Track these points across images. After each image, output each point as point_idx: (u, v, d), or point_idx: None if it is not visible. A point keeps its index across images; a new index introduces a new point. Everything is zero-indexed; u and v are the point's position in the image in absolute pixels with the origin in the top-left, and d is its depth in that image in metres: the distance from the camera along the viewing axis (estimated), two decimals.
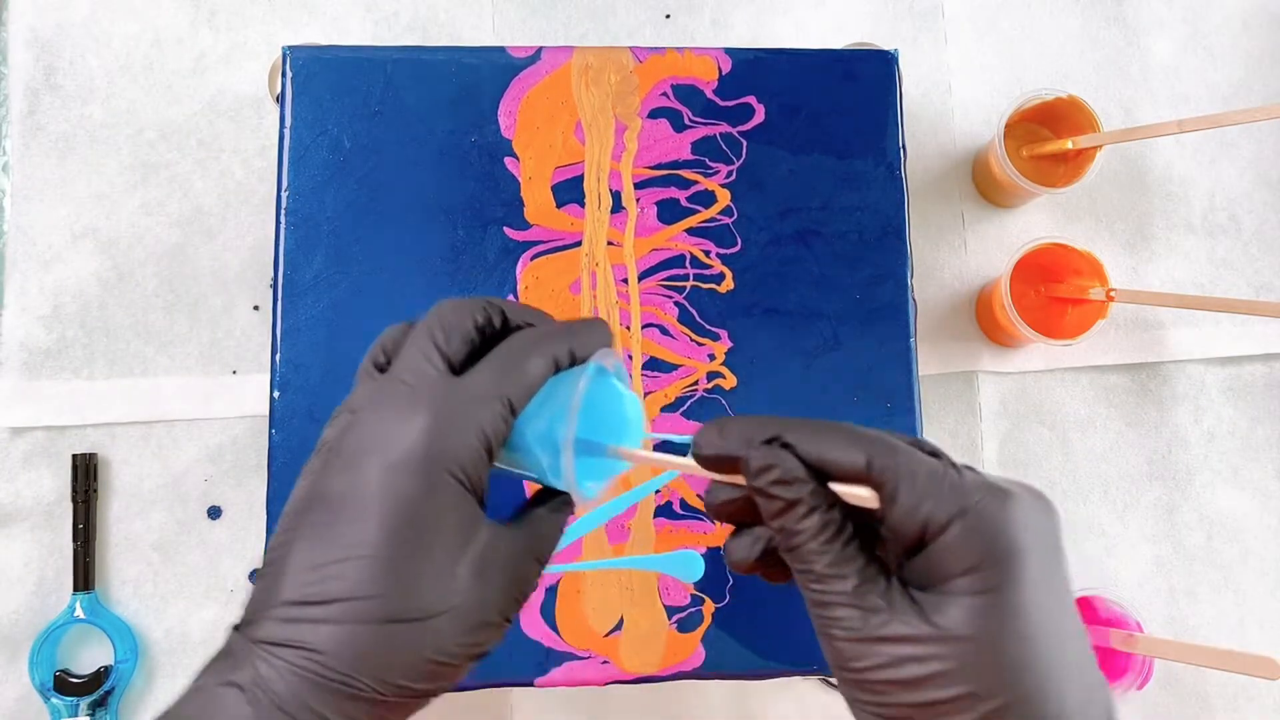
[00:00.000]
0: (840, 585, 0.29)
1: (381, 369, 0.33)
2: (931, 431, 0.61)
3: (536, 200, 0.55)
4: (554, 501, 0.34)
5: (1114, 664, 0.59)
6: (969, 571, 0.28)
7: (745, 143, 0.56)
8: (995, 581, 0.28)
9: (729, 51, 0.57)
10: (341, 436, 0.31)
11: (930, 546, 0.28)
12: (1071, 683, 0.28)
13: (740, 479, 0.31)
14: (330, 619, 0.29)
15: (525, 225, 0.55)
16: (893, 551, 0.30)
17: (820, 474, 0.30)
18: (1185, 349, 0.68)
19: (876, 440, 0.30)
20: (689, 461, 0.32)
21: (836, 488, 0.30)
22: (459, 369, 0.32)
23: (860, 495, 0.29)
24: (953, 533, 0.28)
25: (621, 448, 0.33)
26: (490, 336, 0.33)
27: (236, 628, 0.30)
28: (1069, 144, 0.63)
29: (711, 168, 0.56)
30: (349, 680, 0.28)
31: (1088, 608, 0.60)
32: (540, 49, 0.56)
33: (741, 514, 0.33)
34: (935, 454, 0.30)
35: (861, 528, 0.30)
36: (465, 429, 0.30)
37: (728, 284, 0.55)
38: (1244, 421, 0.68)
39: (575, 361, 0.33)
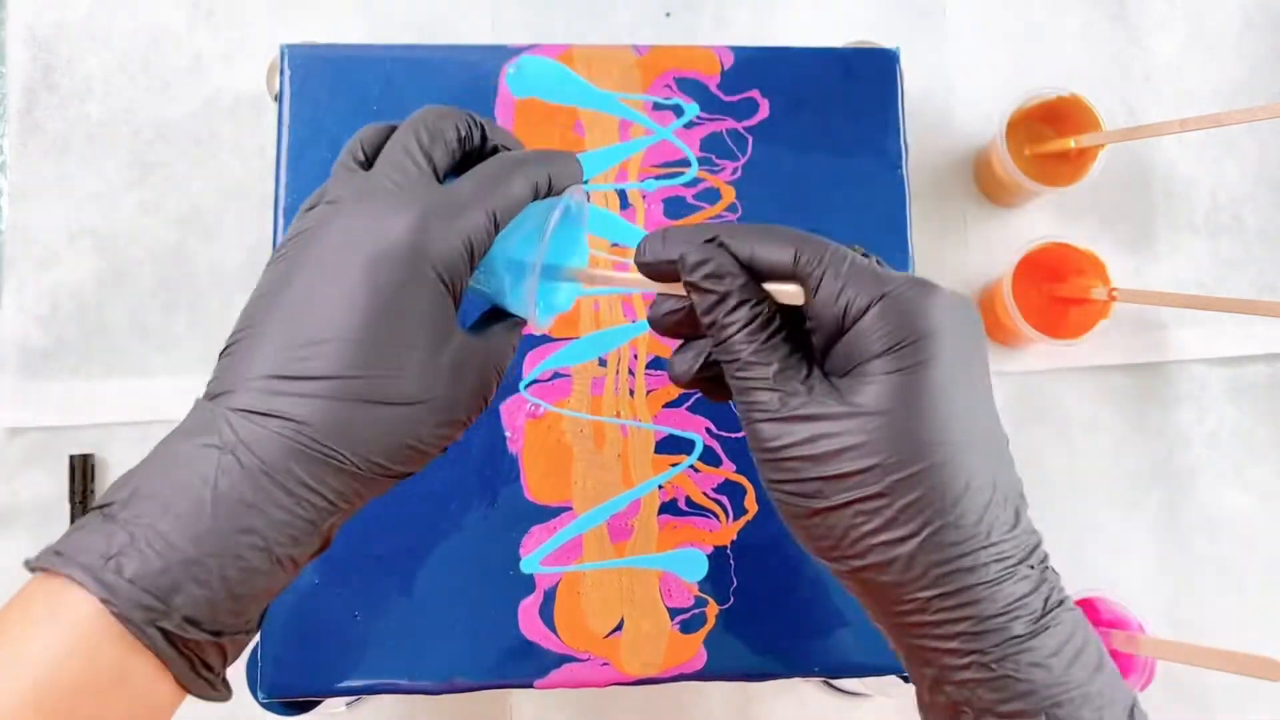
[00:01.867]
0: (762, 371, 0.30)
1: (362, 166, 0.34)
2: None
3: None
4: (509, 320, 0.36)
5: (1116, 664, 0.59)
6: (885, 353, 0.29)
7: (751, 139, 0.56)
8: (909, 361, 0.29)
9: (731, 48, 0.57)
10: (322, 224, 0.31)
11: (850, 331, 0.30)
12: (980, 469, 0.29)
13: (681, 290, 0.32)
14: (315, 394, 0.29)
15: None
16: (818, 344, 0.32)
17: (755, 274, 0.31)
18: (1188, 349, 0.68)
19: (807, 239, 0.31)
20: (635, 276, 0.34)
21: (767, 286, 0.31)
22: (441, 177, 0.33)
23: (788, 290, 0.31)
24: (871, 314, 0.29)
25: (578, 269, 0.35)
26: (470, 152, 0.34)
27: (204, 399, 0.31)
28: (1071, 143, 0.63)
29: (718, 164, 0.56)
30: (331, 452, 0.29)
31: (1090, 608, 0.60)
32: (537, 45, 0.56)
33: (685, 326, 0.34)
34: (866, 255, 0.32)
35: (796, 330, 0.32)
36: (451, 232, 0.31)
37: None
38: (1247, 422, 0.68)
39: (551, 191, 0.34)
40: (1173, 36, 0.71)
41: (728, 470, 0.53)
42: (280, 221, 0.54)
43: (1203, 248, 0.70)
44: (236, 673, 0.62)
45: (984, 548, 0.29)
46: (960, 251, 0.68)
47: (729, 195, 0.56)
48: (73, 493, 0.61)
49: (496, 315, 0.36)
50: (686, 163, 0.56)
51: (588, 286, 0.36)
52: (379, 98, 0.55)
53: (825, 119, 0.57)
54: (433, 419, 0.31)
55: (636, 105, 0.56)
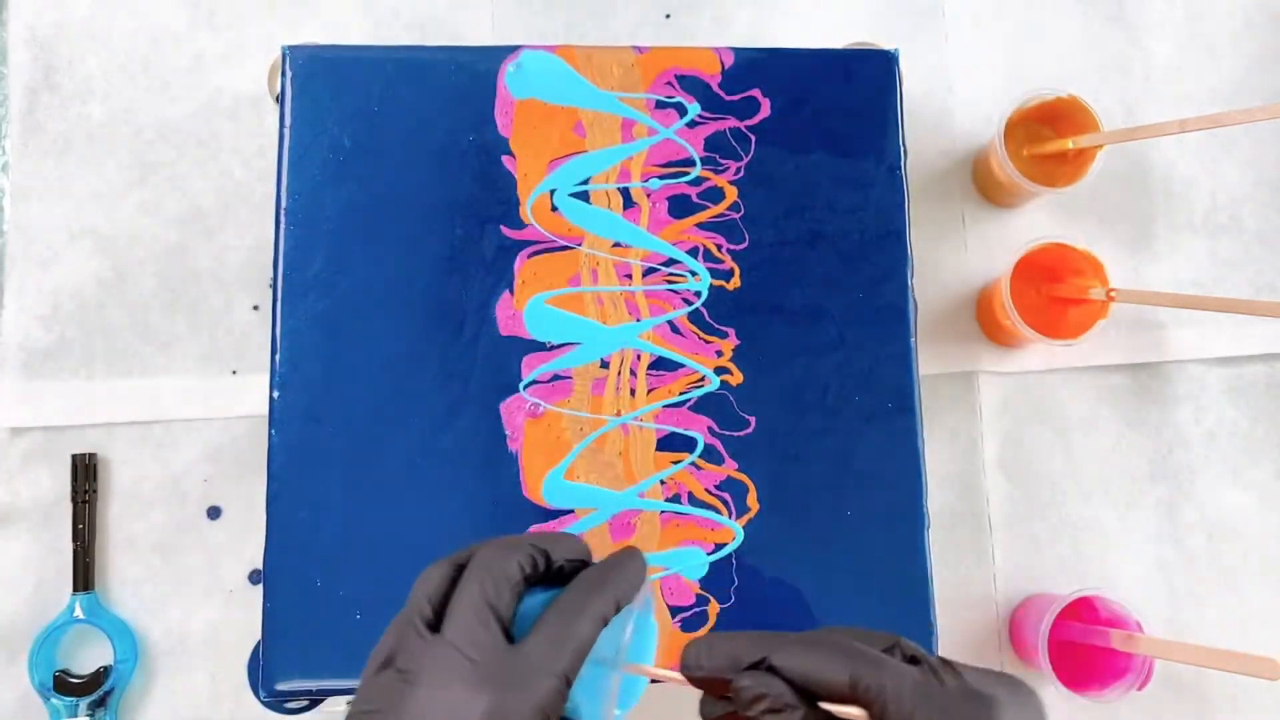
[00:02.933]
0: None
1: (430, 625, 0.33)
2: (932, 431, 0.61)
3: (532, 199, 0.55)
4: None
5: (1114, 664, 0.59)
6: None
7: (753, 138, 0.56)
8: None
9: (731, 49, 0.57)
10: (400, 704, 0.31)
11: None
12: None
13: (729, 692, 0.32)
14: None
15: (521, 224, 0.55)
16: None
17: (809, 692, 0.31)
18: (1186, 349, 0.68)
19: (858, 656, 0.31)
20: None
21: (831, 708, 0.31)
22: (510, 628, 0.33)
23: (852, 714, 0.31)
24: None
25: (635, 665, 0.35)
26: (535, 578, 0.34)
27: None
28: (1070, 144, 0.63)
29: (722, 164, 0.56)
30: None
31: (1088, 608, 0.60)
32: (538, 46, 0.56)
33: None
34: (914, 659, 0.32)
35: None
36: (527, 707, 0.31)
37: (735, 281, 0.55)
38: (1245, 422, 0.68)
39: (618, 609, 0.34)
40: (1171, 37, 0.72)
41: (730, 468, 0.53)
42: (281, 221, 0.54)
43: (1201, 248, 0.70)
44: (237, 673, 0.63)
45: None
46: (959, 252, 0.68)
47: (731, 194, 0.56)
48: (75, 492, 0.61)
49: None
50: (691, 162, 0.56)
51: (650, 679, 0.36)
52: (380, 98, 0.55)
53: (825, 120, 0.57)
54: None
55: (638, 104, 0.56)
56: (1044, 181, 0.63)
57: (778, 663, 0.31)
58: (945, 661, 0.32)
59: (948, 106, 0.70)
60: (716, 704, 0.34)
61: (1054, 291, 0.64)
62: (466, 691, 0.30)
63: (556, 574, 0.35)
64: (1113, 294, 0.61)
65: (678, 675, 0.33)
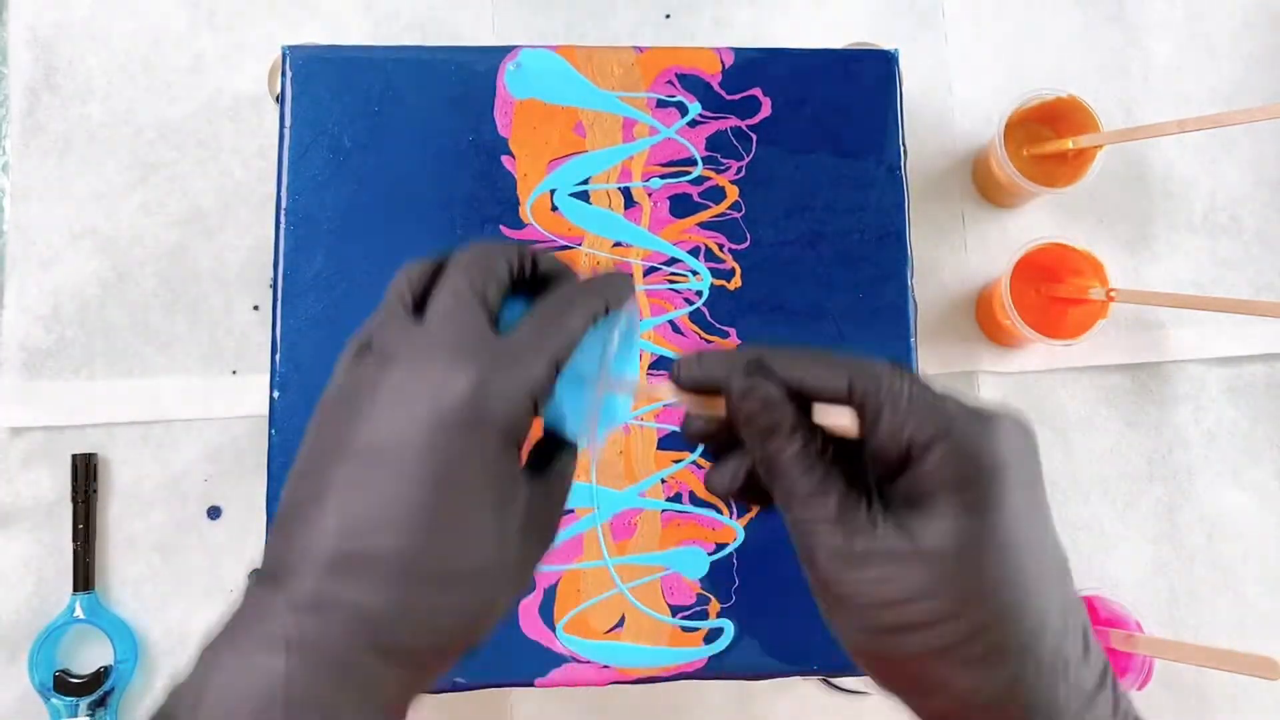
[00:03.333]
0: (822, 509, 0.29)
1: (411, 310, 0.31)
2: None
3: (532, 199, 0.55)
4: (566, 450, 0.34)
5: (1114, 664, 0.59)
6: (951, 492, 0.28)
7: (754, 137, 0.56)
8: (976, 502, 0.28)
9: (731, 49, 0.57)
10: (377, 383, 0.29)
11: (912, 469, 0.29)
12: (1051, 600, 0.29)
13: (718, 407, 0.31)
14: (383, 579, 0.27)
15: (521, 224, 0.55)
16: (875, 474, 0.30)
17: (802, 399, 0.30)
18: (1186, 349, 0.68)
19: (858, 365, 0.30)
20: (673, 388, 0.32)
21: (819, 412, 0.30)
22: (496, 319, 0.31)
23: (842, 420, 0.30)
24: (934, 455, 0.28)
25: (625, 378, 0.34)
26: (518, 283, 0.33)
27: (259, 582, 0.29)
28: (1069, 144, 0.63)
29: (723, 163, 0.56)
30: (405, 642, 0.28)
31: (1088, 608, 0.60)
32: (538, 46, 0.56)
33: (719, 438, 0.33)
34: (913, 376, 0.31)
35: (843, 451, 0.30)
36: (515, 390, 0.29)
37: (736, 281, 0.55)
38: (1245, 422, 0.68)
39: (606, 313, 0.33)
40: (1171, 37, 0.72)
41: None
42: (281, 222, 0.54)
43: (1201, 248, 0.70)
44: None
45: (1062, 681, 0.28)
46: (959, 252, 0.69)
47: (733, 194, 0.56)
48: (75, 492, 0.61)
49: (550, 444, 0.34)
50: (692, 161, 0.56)
51: (637, 399, 0.35)
52: (380, 98, 0.55)
53: (825, 120, 0.57)
54: (509, 588, 0.30)
55: (639, 104, 0.56)
56: (1044, 181, 0.63)
57: (773, 364, 0.30)
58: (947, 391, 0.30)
59: (948, 106, 0.70)
60: (700, 419, 0.32)
61: (1054, 291, 0.64)
62: (450, 368, 0.29)
63: (541, 284, 0.33)
64: (1112, 294, 0.61)
65: (666, 385, 0.32)
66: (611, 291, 0.33)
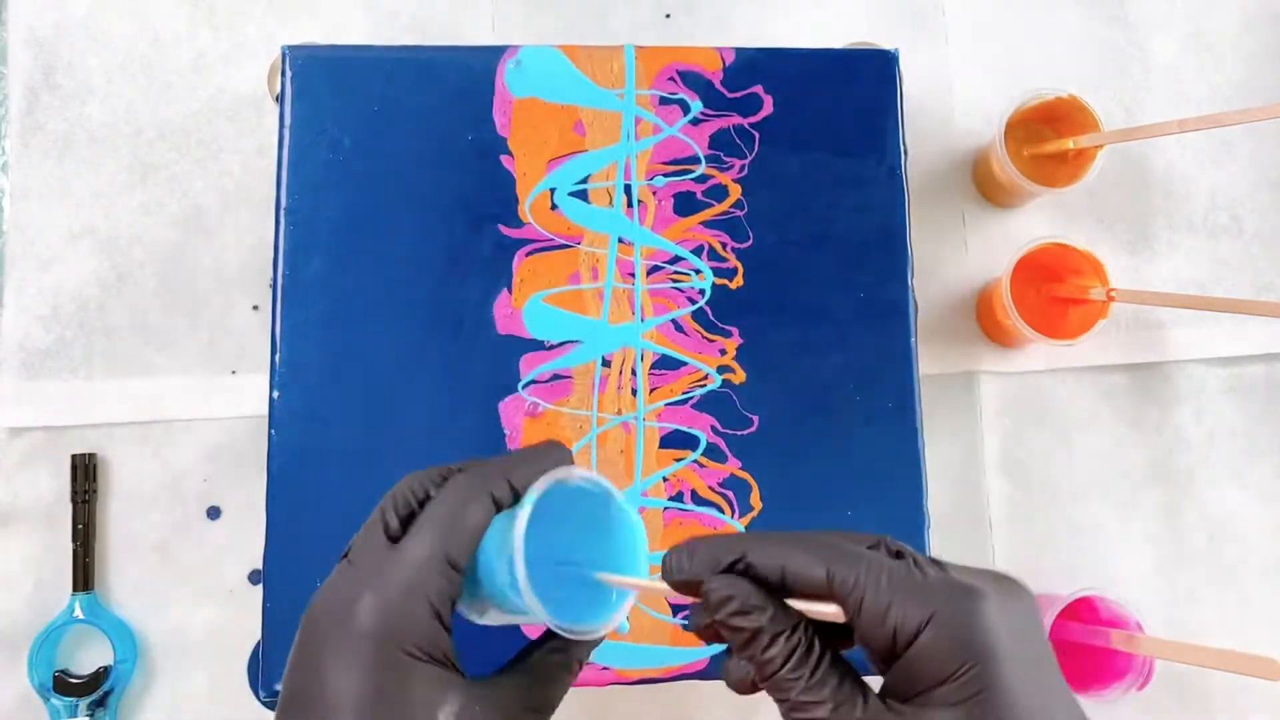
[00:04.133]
0: (818, 711, 0.28)
1: (391, 535, 0.33)
2: (932, 431, 0.61)
3: (531, 198, 0.55)
4: (551, 643, 0.34)
5: (1115, 664, 0.59)
6: (946, 680, 0.27)
7: (757, 135, 0.56)
8: (975, 688, 0.27)
9: (732, 48, 0.57)
10: (302, 629, 0.32)
11: (905, 655, 0.28)
12: None
13: None
14: None
15: (520, 223, 0.55)
16: (871, 660, 0.29)
17: (787, 592, 0.29)
18: (1186, 349, 0.68)
19: (835, 549, 0.29)
20: (664, 585, 0.31)
21: (800, 605, 0.29)
22: (398, 537, 0.32)
23: (825, 611, 0.29)
24: (924, 640, 0.27)
25: (605, 575, 0.32)
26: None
27: None
28: (1070, 144, 0.63)
29: (726, 162, 0.56)
30: None
31: (1088, 608, 0.60)
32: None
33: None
34: (899, 554, 0.30)
35: (840, 642, 0.30)
36: (410, 600, 0.30)
37: (739, 280, 0.55)
38: (1245, 422, 0.68)
39: (519, 492, 0.32)
40: (1171, 37, 0.72)
41: (733, 466, 0.53)
42: (281, 221, 0.54)
43: (1201, 248, 0.70)
44: (237, 673, 0.63)
45: None
46: (959, 252, 0.69)
47: (735, 192, 0.56)
48: (74, 492, 0.61)
49: (547, 637, 0.33)
50: (695, 159, 0.56)
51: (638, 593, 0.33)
52: (379, 98, 0.55)
53: (825, 119, 0.57)
54: None
55: (641, 101, 0.56)
56: (1044, 181, 0.63)
57: (753, 560, 0.29)
58: (933, 559, 0.30)
59: (948, 106, 0.70)
60: (704, 612, 0.31)
61: (1054, 291, 0.64)
62: (350, 598, 0.31)
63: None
64: (1113, 294, 0.61)
65: (661, 585, 0.31)
66: (520, 469, 0.33)
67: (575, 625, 0.31)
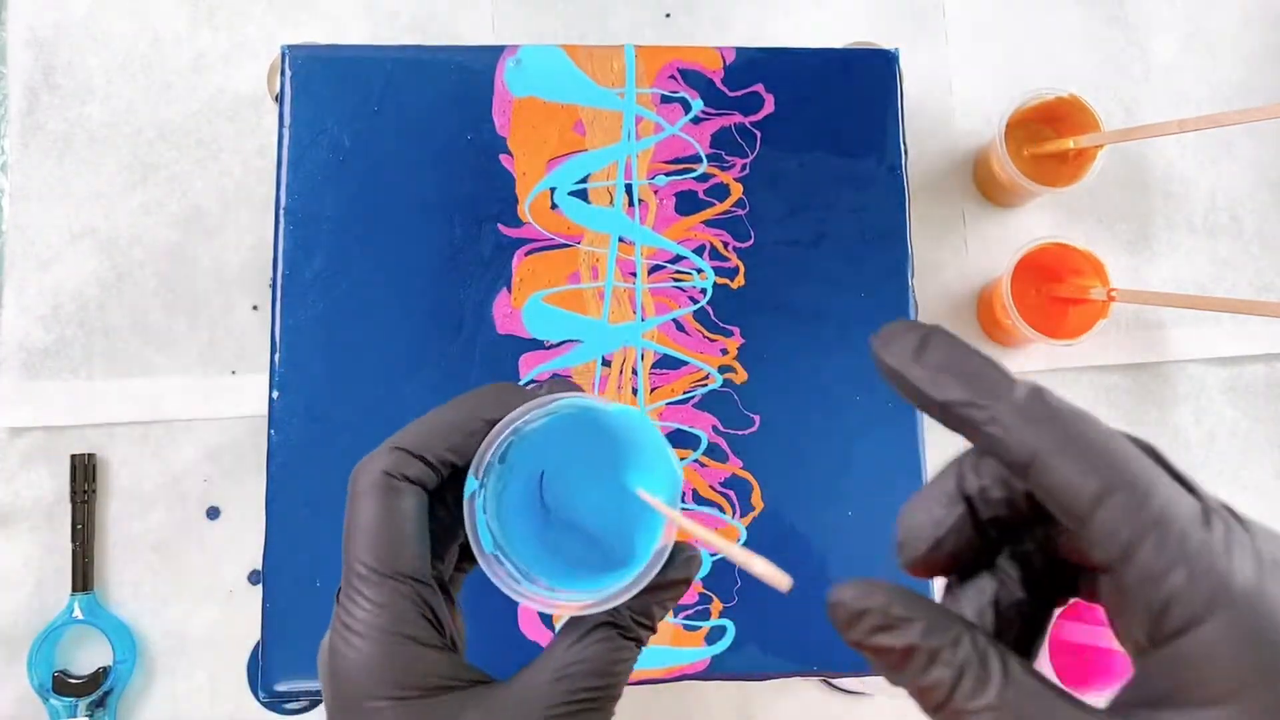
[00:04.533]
0: None
1: None
2: (932, 431, 0.61)
3: (530, 197, 0.55)
4: (586, 623, 0.29)
5: (1116, 664, 0.59)
6: (1229, 697, 0.19)
7: (759, 134, 0.56)
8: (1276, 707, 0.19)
9: (733, 48, 0.57)
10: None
11: (1175, 642, 0.19)
12: None
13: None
14: None
15: (519, 223, 0.55)
16: (1121, 630, 0.21)
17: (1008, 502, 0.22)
18: (1186, 349, 0.68)
19: (1113, 464, 0.21)
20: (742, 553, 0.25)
21: (756, 568, 0.22)
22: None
23: (773, 578, 0.22)
24: (1210, 632, 0.19)
25: (668, 507, 0.28)
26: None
27: None
28: (1070, 143, 0.63)
29: (728, 161, 0.56)
30: None
31: (1089, 608, 0.60)
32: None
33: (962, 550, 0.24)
34: (1190, 487, 0.21)
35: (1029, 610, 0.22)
36: (365, 471, 0.32)
37: (740, 279, 0.55)
38: (1245, 422, 0.68)
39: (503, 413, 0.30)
40: (1171, 37, 0.72)
41: (734, 466, 0.53)
42: (281, 221, 0.54)
43: (1201, 248, 0.70)
44: (237, 673, 0.63)
45: None
46: (959, 252, 0.69)
47: (737, 191, 0.56)
48: (74, 492, 0.61)
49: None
50: (697, 158, 0.56)
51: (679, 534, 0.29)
52: (380, 98, 0.55)
53: (825, 119, 0.57)
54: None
55: (642, 100, 0.56)
56: (1044, 181, 0.63)
57: (989, 429, 0.23)
58: (1236, 514, 0.22)
59: (948, 106, 0.70)
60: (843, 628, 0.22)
61: (1054, 291, 0.64)
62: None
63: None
64: (1113, 294, 0.61)
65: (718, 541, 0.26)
66: (509, 397, 0.31)
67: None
